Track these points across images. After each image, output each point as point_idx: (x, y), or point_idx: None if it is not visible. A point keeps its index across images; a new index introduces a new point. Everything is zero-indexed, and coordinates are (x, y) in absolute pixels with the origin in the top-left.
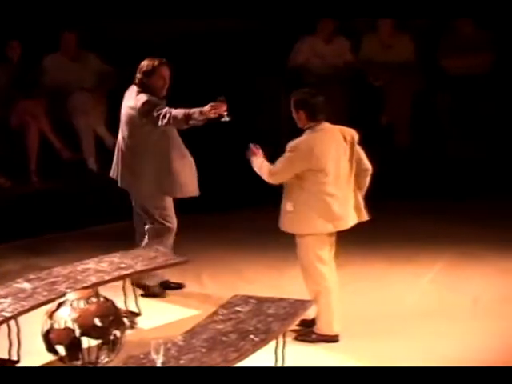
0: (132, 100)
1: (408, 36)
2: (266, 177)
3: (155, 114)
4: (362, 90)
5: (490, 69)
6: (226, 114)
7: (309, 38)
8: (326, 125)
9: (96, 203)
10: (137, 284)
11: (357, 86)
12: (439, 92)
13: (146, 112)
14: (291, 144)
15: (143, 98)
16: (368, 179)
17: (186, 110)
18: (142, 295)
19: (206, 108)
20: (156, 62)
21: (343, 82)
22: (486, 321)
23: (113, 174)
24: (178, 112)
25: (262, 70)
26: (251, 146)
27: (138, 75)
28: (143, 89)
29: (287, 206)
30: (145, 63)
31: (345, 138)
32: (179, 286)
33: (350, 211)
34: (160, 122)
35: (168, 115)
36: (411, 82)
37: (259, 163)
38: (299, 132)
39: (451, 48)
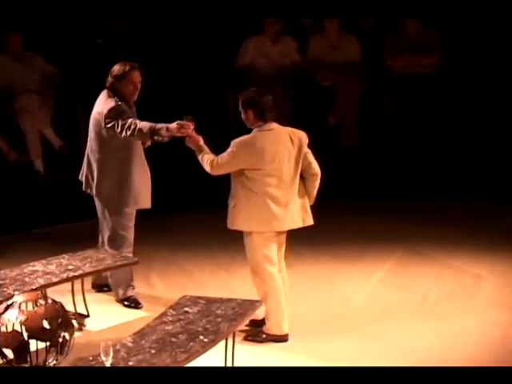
0: (101, 104)
1: (355, 36)
2: (206, 167)
3: (120, 122)
4: (309, 90)
5: (436, 68)
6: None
7: (255, 38)
8: (275, 125)
9: (43, 205)
10: (97, 288)
11: (304, 87)
12: (385, 92)
13: (111, 118)
14: (237, 140)
15: (111, 103)
16: (317, 184)
17: (153, 125)
18: (126, 306)
19: (173, 125)
20: (127, 67)
21: (290, 82)
22: (434, 319)
23: (81, 177)
24: (144, 125)
25: (210, 70)
26: (190, 134)
27: (109, 79)
28: (113, 93)
29: (230, 202)
30: (116, 67)
31: (292, 141)
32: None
33: (290, 214)
34: (124, 133)
35: (133, 127)
36: (358, 83)
37: (201, 152)
38: (247, 132)
39: (397, 48)
